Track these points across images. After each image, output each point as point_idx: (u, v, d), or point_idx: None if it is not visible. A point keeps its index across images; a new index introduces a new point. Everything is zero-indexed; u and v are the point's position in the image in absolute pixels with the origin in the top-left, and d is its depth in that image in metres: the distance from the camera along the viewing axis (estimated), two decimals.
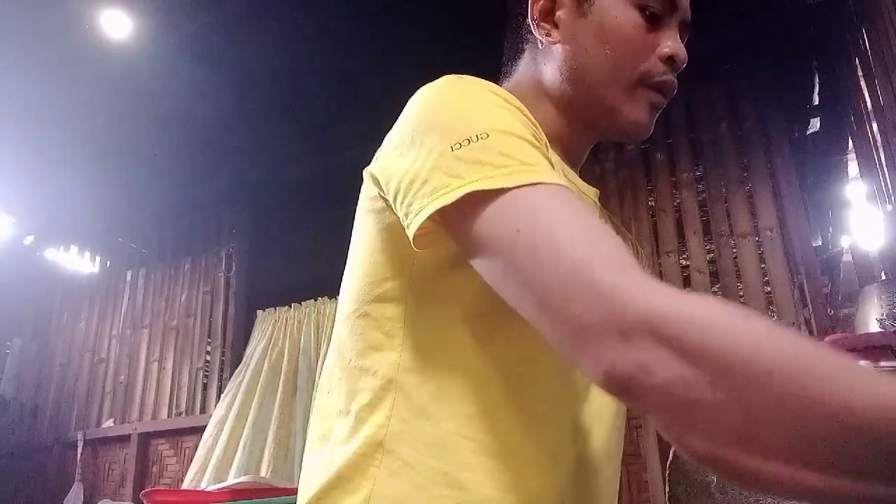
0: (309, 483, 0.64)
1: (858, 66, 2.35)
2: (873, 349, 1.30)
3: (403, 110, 0.63)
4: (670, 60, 0.70)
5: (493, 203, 0.52)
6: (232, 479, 2.94)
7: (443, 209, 0.53)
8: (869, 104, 2.27)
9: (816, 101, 3.10)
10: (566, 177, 0.71)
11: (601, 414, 0.69)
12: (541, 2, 0.74)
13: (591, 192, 0.77)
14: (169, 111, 3.16)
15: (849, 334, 1.63)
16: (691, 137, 2.94)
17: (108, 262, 4.34)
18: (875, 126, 2.22)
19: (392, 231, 0.62)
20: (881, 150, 2.20)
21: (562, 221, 0.50)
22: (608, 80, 0.70)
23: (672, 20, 0.72)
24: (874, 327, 1.62)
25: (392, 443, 0.60)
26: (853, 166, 2.97)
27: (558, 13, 0.73)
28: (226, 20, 2.69)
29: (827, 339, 1.45)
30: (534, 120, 0.62)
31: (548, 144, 0.64)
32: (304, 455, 0.68)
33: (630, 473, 2.61)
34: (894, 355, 1.28)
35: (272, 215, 3.85)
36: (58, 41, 2.73)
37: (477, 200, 0.52)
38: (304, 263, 3.69)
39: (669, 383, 0.41)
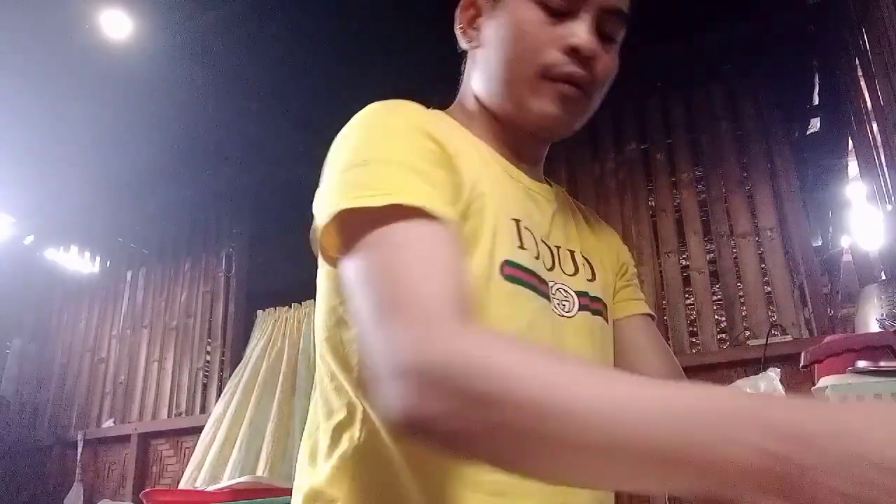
0: (294, 497, 0.69)
1: (858, 66, 2.35)
2: (873, 349, 1.30)
3: None
4: (574, 51, 0.69)
5: (351, 225, 0.56)
6: (229, 478, 2.95)
7: (326, 228, 0.58)
8: (869, 104, 2.27)
9: (816, 101, 3.10)
10: (509, 175, 0.73)
11: None
12: (468, 10, 0.76)
13: (543, 189, 0.78)
14: (169, 111, 3.16)
15: (849, 334, 1.63)
16: (691, 137, 2.94)
17: (108, 262, 4.33)
18: (875, 126, 2.22)
19: None
20: (881, 150, 2.20)
21: (376, 259, 0.54)
22: (511, 77, 0.71)
23: (583, 12, 0.70)
24: (874, 327, 1.62)
25: (363, 457, 0.63)
26: (853, 166, 2.97)
27: (479, 19, 0.75)
28: (226, 20, 2.69)
29: (827, 339, 1.45)
30: (440, 139, 0.64)
31: (452, 158, 0.65)
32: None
33: None
34: (894, 355, 1.28)
35: (272, 215, 3.85)
36: (58, 41, 2.73)
37: (343, 220, 0.57)
38: (304, 263, 3.65)
39: (438, 419, 0.44)
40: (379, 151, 0.60)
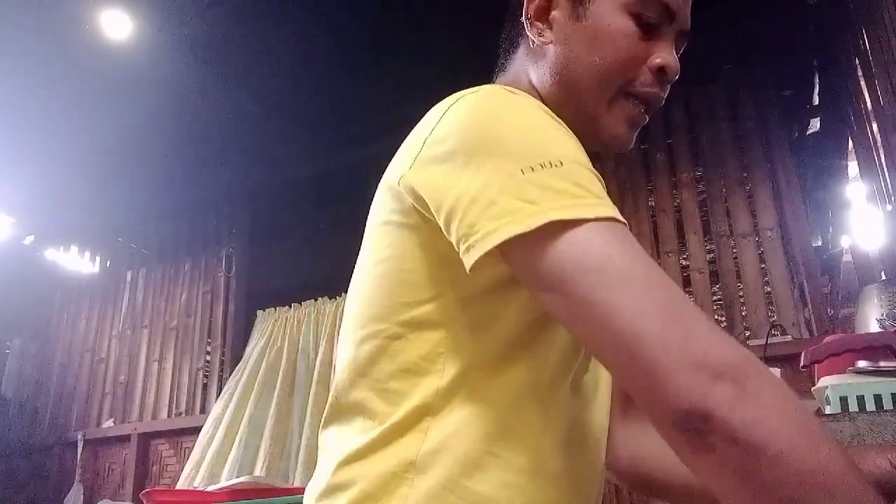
0: (333, 500, 0.62)
1: (858, 66, 2.35)
2: (873, 349, 1.30)
3: (443, 122, 0.60)
4: (661, 72, 0.69)
5: (573, 234, 0.51)
6: (227, 477, 2.95)
7: (519, 238, 0.51)
8: (869, 104, 2.27)
9: (816, 101, 3.10)
10: None
11: (604, 427, 0.73)
12: (536, 0, 0.72)
13: None
14: (169, 111, 3.16)
15: (849, 334, 1.63)
16: (691, 137, 2.94)
17: (108, 262, 4.33)
18: (875, 126, 2.22)
19: (434, 250, 0.61)
20: (881, 150, 2.20)
21: (643, 263, 0.51)
22: (594, 87, 0.69)
23: (669, 30, 0.70)
24: (874, 327, 1.62)
25: (425, 462, 0.59)
26: (853, 166, 2.97)
27: (553, 13, 0.72)
28: (226, 20, 2.69)
29: (827, 339, 1.45)
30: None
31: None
32: (321, 472, 0.66)
33: None
34: (894, 355, 1.28)
35: (272, 215, 3.85)
36: (58, 41, 2.73)
37: (555, 230, 0.51)
38: (304, 263, 3.69)
39: (747, 422, 0.45)
40: (563, 149, 0.55)
